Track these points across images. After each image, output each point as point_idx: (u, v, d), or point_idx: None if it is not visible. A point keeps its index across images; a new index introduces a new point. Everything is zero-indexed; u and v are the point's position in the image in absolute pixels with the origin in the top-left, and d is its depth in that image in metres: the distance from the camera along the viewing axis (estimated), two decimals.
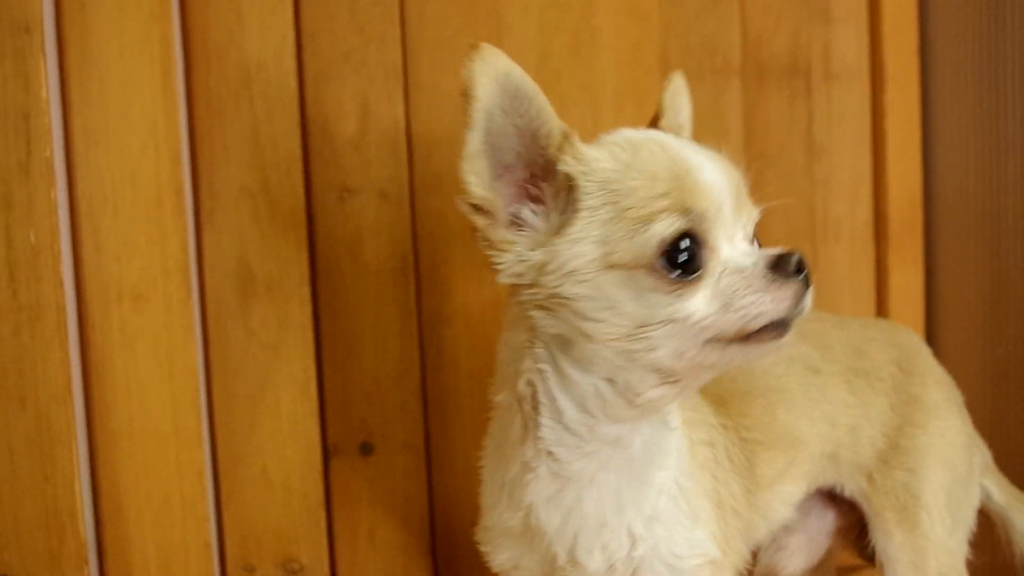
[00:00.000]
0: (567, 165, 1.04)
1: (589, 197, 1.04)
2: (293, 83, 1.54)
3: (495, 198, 1.05)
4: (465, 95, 1.01)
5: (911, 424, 1.49)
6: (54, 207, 1.38)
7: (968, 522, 1.55)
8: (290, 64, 1.53)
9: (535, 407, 1.14)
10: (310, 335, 1.59)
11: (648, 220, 1.00)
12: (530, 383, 1.13)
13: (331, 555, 1.69)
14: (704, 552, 1.22)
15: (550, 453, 1.14)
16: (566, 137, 1.05)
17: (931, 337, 2.30)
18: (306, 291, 1.58)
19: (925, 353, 1.60)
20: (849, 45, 2.15)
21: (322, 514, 1.63)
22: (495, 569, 1.30)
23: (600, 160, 1.05)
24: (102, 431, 1.45)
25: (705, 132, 1.87)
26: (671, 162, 1.03)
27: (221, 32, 1.48)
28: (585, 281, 1.04)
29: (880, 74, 2.17)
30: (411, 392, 1.71)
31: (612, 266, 1.02)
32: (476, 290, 1.77)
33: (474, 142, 1.02)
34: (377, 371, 1.67)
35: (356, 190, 1.62)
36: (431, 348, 1.74)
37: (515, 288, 1.10)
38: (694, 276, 1.01)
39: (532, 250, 1.06)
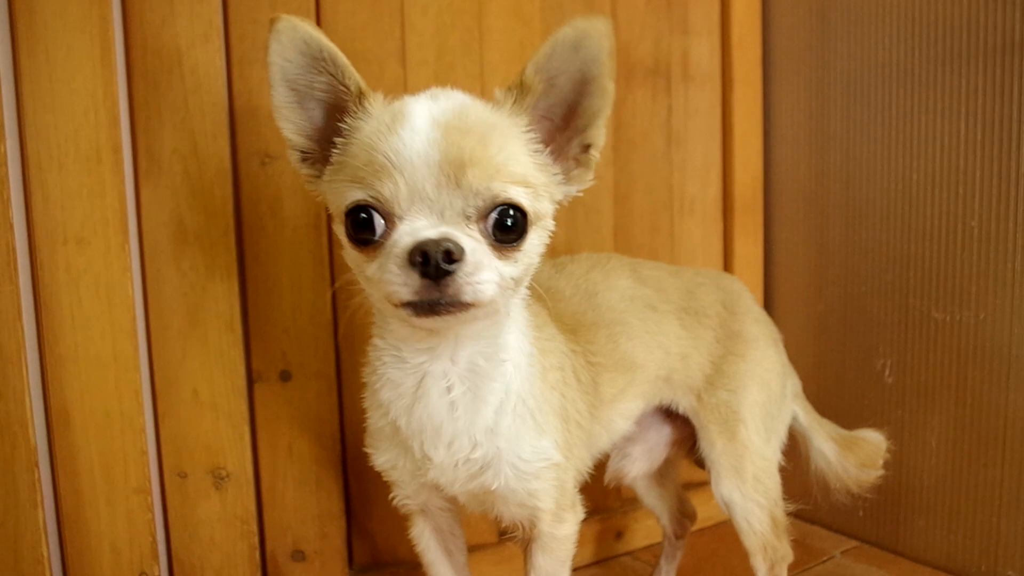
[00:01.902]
0: (346, 120, 1.05)
1: (343, 151, 1.05)
2: (220, 62, 1.48)
3: (310, 145, 1.09)
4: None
5: (733, 354, 1.48)
6: (4, 160, 1.32)
7: (780, 435, 1.54)
8: (217, 45, 1.48)
9: (376, 324, 1.21)
10: (235, 278, 1.53)
11: (351, 185, 1.00)
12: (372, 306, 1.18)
13: (255, 465, 1.64)
14: (548, 457, 1.22)
15: (386, 362, 1.17)
16: (361, 93, 1.05)
17: (768, 296, 2.30)
18: (231, 240, 1.52)
19: (747, 296, 1.59)
20: (703, 53, 2.12)
21: (246, 430, 1.58)
22: (378, 469, 1.27)
23: (363, 121, 1.04)
24: (50, 355, 1.38)
25: None
26: (387, 135, 0.98)
27: (155, 15, 1.42)
28: (333, 221, 1.08)
29: (729, 77, 2.16)
30: (323, 328, 1.65)
31: (333, 217, 1.07)
32: None
33: (276, 98, 1.05)
34: (294, 310, 1.62)
35: (276, 156, 1.56)
36: (341, 292, 1.69)
37: None
38: (368, 245, 1.01)
39: (310, 173, 1.12)
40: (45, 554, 1.43)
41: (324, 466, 1.70)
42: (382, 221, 0.99)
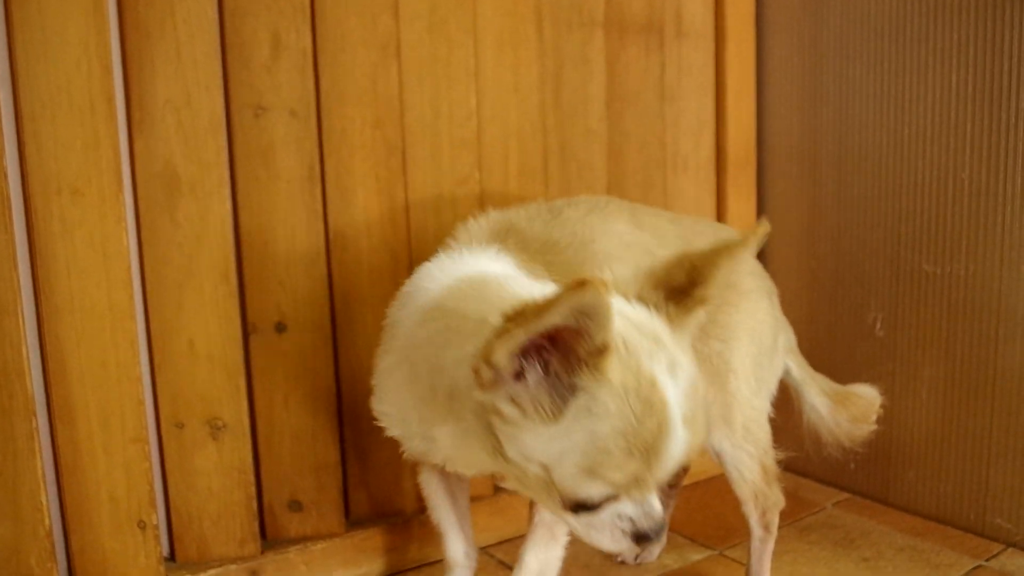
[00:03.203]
0: (584, 379, 0.91)
1: (576, 415, 0.92)
2: (212, 13, 1.47)
3: (510, 366, 0.92)
4: (546, 307, 0.84)
5: (727, 304, 1.48)
6: None
7: (770, 387, 1.55)
8: None
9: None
10: (230, 229, 1.53)
11: (593, 477, 0.93)
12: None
13: (251, 416, 1.64)
14: None
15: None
16: (602, 352, 0.89)
17: (760, 252, 2.28)
18: (226, 192, 1.52)
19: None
20: (697, 9, 2.12)
21: (242, 381, 1.58)
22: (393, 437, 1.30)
23: (610, 397, 0.91)
24: (47, 305, 1.38)
25: (573, 73, 1.84)
26: (646, 438, 0.92)
27: None
28: (521, 460, 0.99)
29: (722, 34, 2.15)
30: (318, 281, 1.66)
31: (544, 474, 0.97)
32: (375, 198, 1.72)
33: (522, 338, 0.87)
34: (289, 263, 1.62)
35: (269, 108, 1.55)
36: (336, 245, 1.69)
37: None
38: (580, 510, 0.99)
39: (509, 404, 0.94)
40: (44, 502, 1.43)
41: (320, 418, 1.70)
42: (608, 500, 0.98)
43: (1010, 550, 1.85)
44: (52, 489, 1.49)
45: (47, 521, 1.44)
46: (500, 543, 1.89)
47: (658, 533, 0.99)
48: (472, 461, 1.11)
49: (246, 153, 1.57)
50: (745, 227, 2.22)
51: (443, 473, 1.39)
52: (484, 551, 1.91)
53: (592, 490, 0.94)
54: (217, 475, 1.61)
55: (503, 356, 0.89)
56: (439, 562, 1.79)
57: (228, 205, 1.54)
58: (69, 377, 1.45)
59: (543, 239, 1.36)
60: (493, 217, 1.38)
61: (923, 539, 1.89)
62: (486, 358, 0.90)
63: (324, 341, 1.68)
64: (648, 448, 0.92)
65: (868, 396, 1.71)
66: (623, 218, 1.46)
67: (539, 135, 1.91)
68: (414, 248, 1.77)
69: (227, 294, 1.55)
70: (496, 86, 1.83)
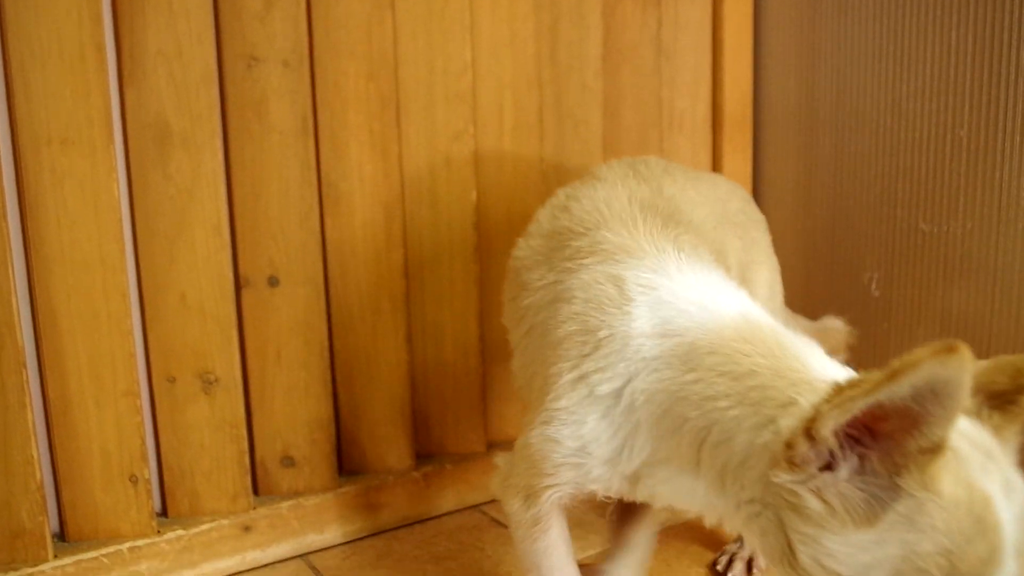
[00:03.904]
0: (909, 482, 0.75)
1: (893, 524, 0.76)
2: None
3: (832, 443, 0.77)
4: (894, 375, 0.69)
5: (754, 262, 1.47)
6: None
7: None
8: None
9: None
10: (221, 182, 1.51)
11: None
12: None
13: (244, 369, 1.63)
14: None
15: None
16: (936, 450, 0.73)
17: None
18: (217, 144, 1.50)
19: (755, 205, 1.57)
20: None
21: (234, 334, 1.57)
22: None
23: (937, 509, 0.75)
24: (36, 257, 1.37)
25: (570, 27, 1.82)
26: (978, 569, 0.75)
27: None
28: (815, 570, 0.81)
29: None
30: (311, 235, 1.64)
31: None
32: (369, 152, 1.70)
33: (859, 405, 0.72)
34: (281, 216, 1.60)
35: (262, 59, 1.53)
36: (329, 198, 1.68)
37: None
38: None
39: (813, 496, 0.79)
40: (35, 455, 1.43)
41: (313, 373, 1.69)
42: None
43: None
44: (43, 443, 1.48)
45: (38, 475, 1.44)
46: (493, 502, 1.89)
47: None
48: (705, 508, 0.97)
49: (238, 105, 1.55)
50: (741, 186, 2.21)
51: (564, 528, 1.15)
52: (477, 509, 1.92)
53: None
54: (209, 429, 1.60)
55: (830, 427, 0.74)
56: (433, 518, 1.80)
57: (220, 158, 1.52)
58: (60, 330, 1.44)
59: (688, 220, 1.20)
60: (641, 194, 1.19)
61: None
62: (808, 429, 0.75)
63: (317, 295, 1.67)
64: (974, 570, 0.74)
65: (838, 327, 1.73)
66: (688, 186, 1.35)
67: (534, 90, 1.89)
68: (407, 203, 1.76)
69: (219, 247, 1.53)
70: (491, 40, 1.81)
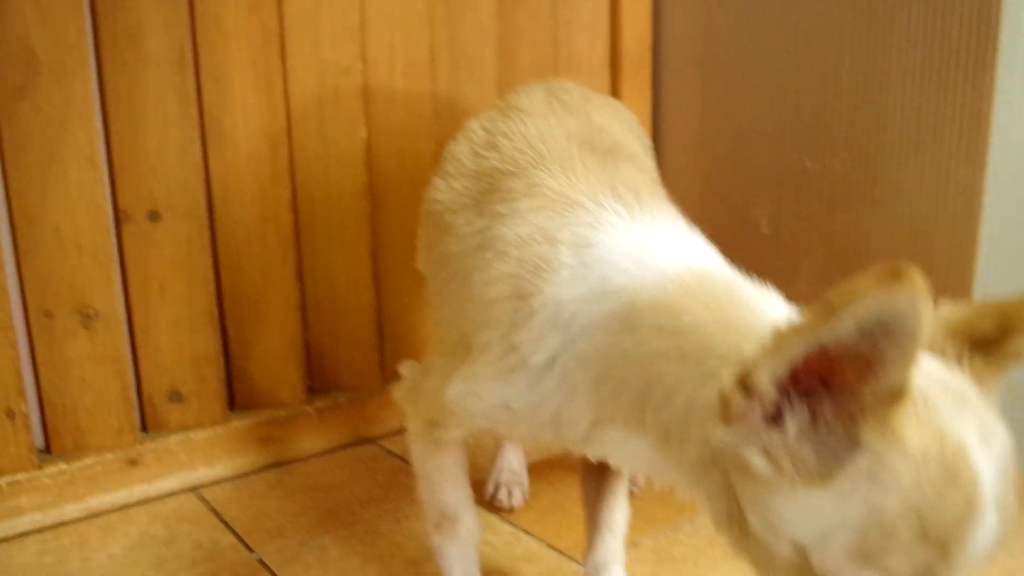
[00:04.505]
0: (868, 433, 0.67)
1: (853, 480, 0.68)
2: None
3: (771, 394, 0.68)
4: (835, 311, 0.60)
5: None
6: None
7: None
8: None
9: None
10: (94, 114, 1.48)
11: (869, 563, 0.68)
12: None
13: (127, 306, 1.60)
14: None
15: None
16: (896, 397, 0.65)
17: (657, 155, 2.27)
18: (88, 73, 1.46)
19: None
20: None
21: (113, 269, 1.54)
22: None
23: (903, 461, 0.67)
24: None
25: None
26: (951, 534, 0.66)
27: None
28: (768, 536, 0.73)
29: None
30: (193, 169, 1.61)
31: (796, 554, 0.72)
32: (253, 86, 1.67)
33: (797, 351, 0.63)
34: (161, 149, 1.57)
35: None
36: (212, 133, 1.64)
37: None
38: None
39: (759, 456, 0.70)
40: None
41: (198, 308, 1.67)
42: None
43: None
44: None
45: None
46: (389, 435, 1.88)
47: None
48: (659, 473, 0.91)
49: (111, 35, 1.50)
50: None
51: (462, 450, 1.14)
52: (373, 442, 1.91)
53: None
54: (91, 365, 1.57)
55: (767, 377, 0.66)
56: (328, 452, 1.79)
57: (92, 88, 1.48)
58: None
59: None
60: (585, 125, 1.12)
61: None
62: (742, 380, 0.67)
63: (200, 230, 1.64)
64: (947, 534, 0.66)
65: None
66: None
67: (426, 28, 1.86)
68: (294, 138, 1.73)
69: (93, 180, 1.50)
70: None
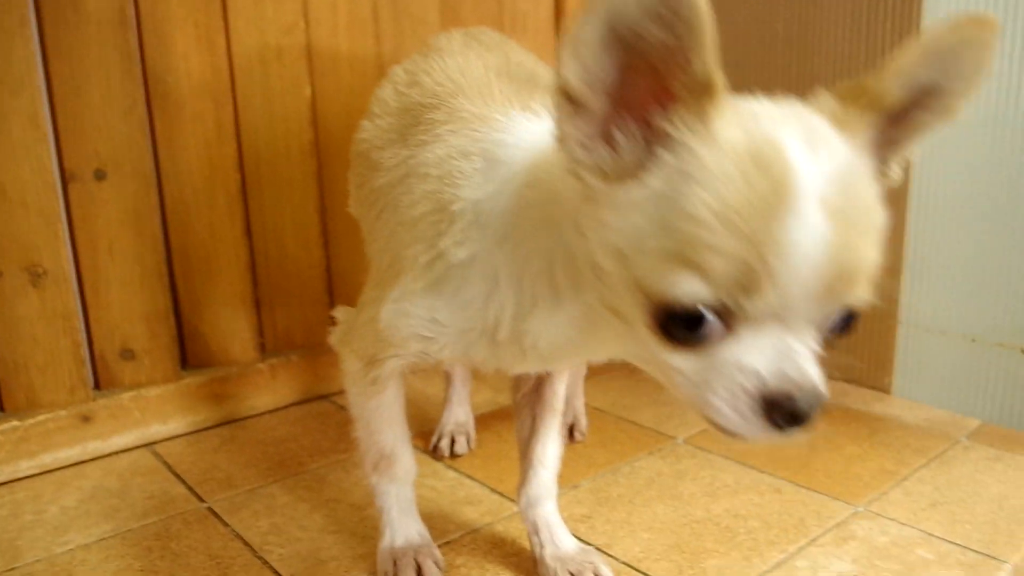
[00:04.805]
0: (676, 122, 0.69)
1: (663, 176, 0.70)
2: None
3: (591, 98, 0.70)
4: None
5: None
6: None
7: None
8: None
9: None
10: (36, 72, 1.48)
11: (684, 264, 0.67)
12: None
13: (76, 264, 1.62)
14: None
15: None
16: (706, 90, 0.67)
17: None
18: (29, 32, 1.47)
19: None
20: None
21: (60, 227, 1.55)
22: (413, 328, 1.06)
23: (709, 151, 0.68)
24: None
25: None
26: (763, 218, 0.65)
27: None
28: (605, 257, 0.75)
29: None
30: (138, 128, 1.62)
31: (626, 268, 0.72)
32: (195, 45, 1.68)
33: (591, 31, 0.66)
34: (105, 108, 1.58)
35: None
36: (156, 92, 1.66)
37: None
38: (685, 343, 0.72)
39: (593, 174, 0.73)
40: None
41: (147, 266, 1.69)
42: (718, 322, 0.70)
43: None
44: None
45: None
46: (341, 391, 1.90)
47: (803, 404, 0.69)
48: (582, 348, 0.94)
49: None
50: None
51: (399, 389, 1.16)
52: (326, 399, 1.94)
53: (681, 285, 0.67)
54: (41, 322, 1.59)
55: (574, 71, 0.68)
56: (281, 409, 1.82)
57: (33, 47, 1.49)
58: None
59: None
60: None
61: None
62: (559, 87, 0.69)
63: (147, 188, 1.66)
64: (757, 224, 0.65)
65: None
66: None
67: None
68: (239, 96, 1.75)
69: (37, 139, 1.51)
70: None
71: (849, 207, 0.68)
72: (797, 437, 0.72)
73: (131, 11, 1.59)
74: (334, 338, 1.20)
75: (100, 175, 1.60)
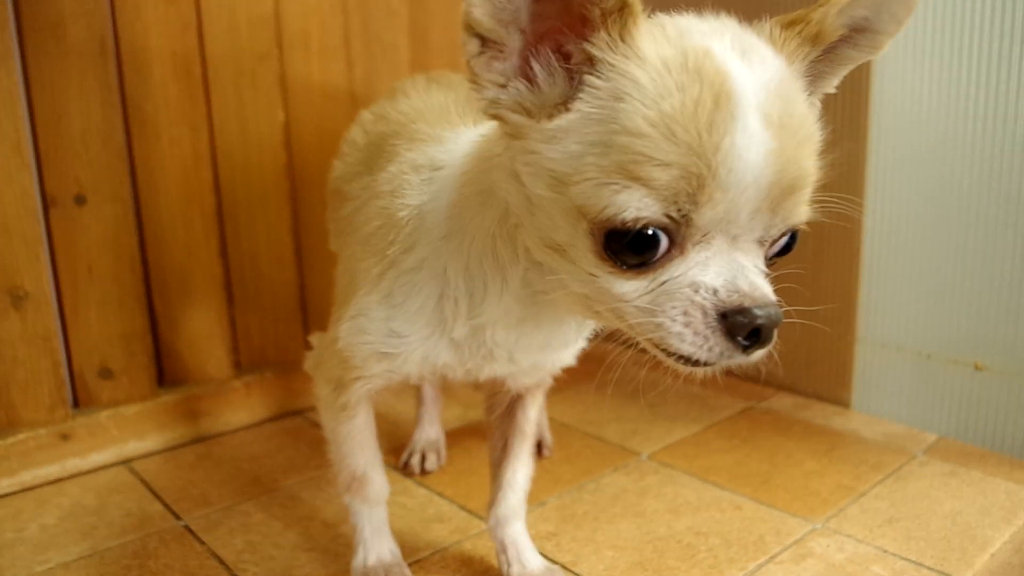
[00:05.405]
0: (599, 46, 0.70)
1: (594, 99, 0.70)
2: None
3: (503, 35, 0.71)
4: None
5: None
6: None
7: None
8: None
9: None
10: (19, 101, 1.52)
11: (627, 180, 0.67)
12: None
13: (56, 286, 1.66)
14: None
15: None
16: (624, 9, 0.68)
17: None
18: (12, 64, 1.51)
19: None
20: None
21: (42, 251, 1.59)
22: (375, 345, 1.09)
23: (639, 67, 0.68)
24: None
25: None
26: (707, 130, 0.66)
27: None
28: (541, 187, 0.74)
29: None
30: (117, 154, 1.67)
31: (565, 195, 0.72)
32: (172, 74, 1.73)
33: None
34: (85, 136, 1.62)
35: None
36: (135, 119, 1.70)
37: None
38: (634, 268, 0.72)
39: (514, 112, 0.74)
40: None
41: (125, 287, 1.73)
42: (666, 241, 0.70)
43: (780, 392, 2.03)
44: None
45: None
46: (314, 407, 1.95)
47: (762, 317, 0.69)
48: (537, 330, 0.97)
49: (34, 27, 1.55)
50: None
51: (370, 414, 1.19)
52: (299, 414, 1.99)
53: (626, 200, 0.66)
54: (22, 343, 1.63)
55: (478, 8, 0.69)
56: (255, 425, 1.87)
57: (16, 78, 1.53)
58: None
59: None
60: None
61: (704, 387, 2.04)
62: (465, 24, 0.70)
63: (126, 212, 1.70)
64: (698, 131, 0.65)
65: None
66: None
67: (340, 15, 1.93)
68: (215, 122, 1.79)
69: (20, 166, 1.55)
70: None
71: (787, 118, 0.69)
72: (757, 356, 0.73)
73: (111, 42, 1.63)
74: (308, 364, 1.26)
75: (80, 200, 1.64)
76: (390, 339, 0.99)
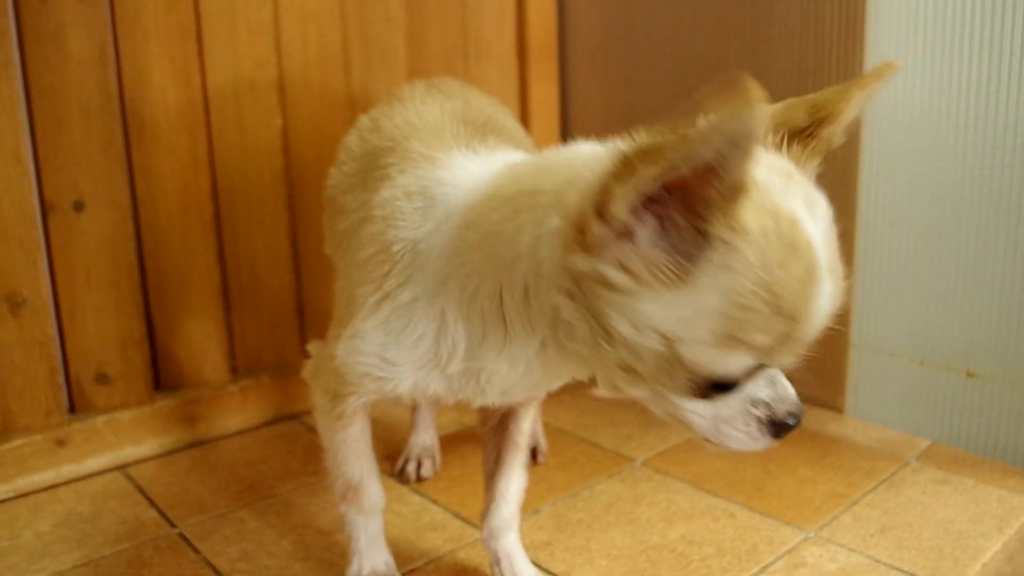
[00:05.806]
0: (717, 228, 0.72)
1: (706, 271, 0.74)
2: None
3: (635, 223, 0.74)
4: (698, 137, 0.66)
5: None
6: None
7: None
8: None
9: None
10: (19, 109, 1.53)
11: (735, 343, 0.76)
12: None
13: (53, 292, 1.66)
14: None
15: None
16: (737, 192, 0.70)
17: (564, 139, 2.37)
18: (13, 72, 1.51)
19: None
20: None
21: (40, 257, 1.60)
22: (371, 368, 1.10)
23: (749, 245, 0.73)
24: None
25: None
26: (803, 298, 0.75)
27: None
28: (639, 336, 0.79)
29: None
30: (115, 160, 1.67)
31: (669, 348, 0.78)
32: (172, 81, 1.74)
33: (653, 175, 0.69)
34: (84, 142, 1.63)
35: None
36: (134, 126, 1.71)
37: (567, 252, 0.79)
38: (710, 396, 0.83)
39: (613, 270, 0.76)
40: None
41: (123, 293, 1.74)
42: (747, 365, 0.81)
43: None
44: None
45: None
46: (310, 411, 1.96)
47: (796, 418, 0.83)
48: (538, 379, 0.99)
49: (35, 35, 1.56)
50: (547, 113, 2.31)
51: (366, 423, 1.20)
52: (295, 419, 2.00)
53: (733, 362, 0.78)
54: (19, 349, 1.64)
55: (624, 203, 0.71)
56: (252, 429, 1.88)
57: (17, 85, 1.53)
58: None
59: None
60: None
61: None
62: (599, 208, 0.72)
63: (124, 218, 1.71)
64: (796, 301, 0.74)
65: None
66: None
67: (338, 21, 1.94)
68: (213, 128, 1.80)
69: (19, 173, 1.56)
70: None
71: (835, 259, 0.79)
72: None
73: (111, 50, 1.64)
74: (306, 372, 1.27)
75: (79, 206, 1.65)
76: (384, 364, 1.01)
